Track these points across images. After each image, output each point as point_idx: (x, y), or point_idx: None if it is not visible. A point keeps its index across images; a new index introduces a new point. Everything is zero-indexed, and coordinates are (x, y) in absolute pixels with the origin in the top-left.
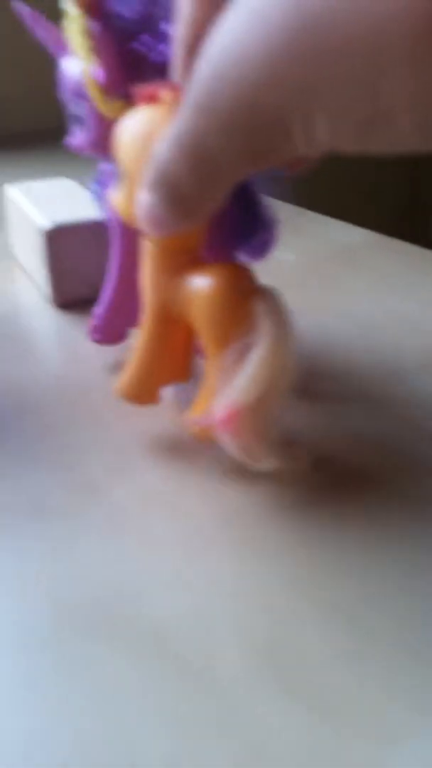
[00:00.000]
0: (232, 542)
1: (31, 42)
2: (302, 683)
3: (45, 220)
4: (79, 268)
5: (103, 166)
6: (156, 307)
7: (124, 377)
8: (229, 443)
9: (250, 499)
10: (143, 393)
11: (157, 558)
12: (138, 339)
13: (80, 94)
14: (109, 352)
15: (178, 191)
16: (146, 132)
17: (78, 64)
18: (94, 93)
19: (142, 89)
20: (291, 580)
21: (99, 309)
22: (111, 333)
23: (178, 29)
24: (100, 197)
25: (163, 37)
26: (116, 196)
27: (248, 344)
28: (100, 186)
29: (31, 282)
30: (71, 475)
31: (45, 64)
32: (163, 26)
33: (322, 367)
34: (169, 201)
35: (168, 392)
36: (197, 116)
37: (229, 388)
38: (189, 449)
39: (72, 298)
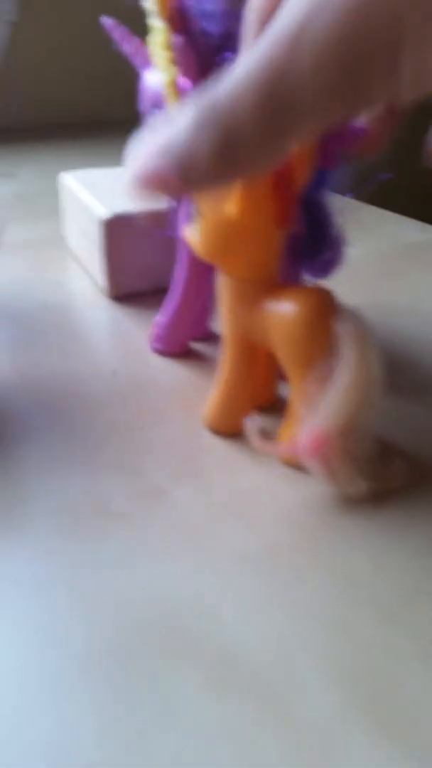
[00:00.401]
0: (314, 560)
1: (94, 35)
2: (393, 718)
3: (103, 209)
4: (136, 260)
5: None
6: (236, 336)
7: (209, 407)
8: (318, 470)
9: (334, 514)
10: (228, 422)
11: (230, 573)
12: (220, 369)
13: (160, 106)
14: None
15: (236, 134)
16: None
17: (159, 77)
18: (174, 106)
19: None
20: (383, 606)
21: (162, 318)
22: (172, 344)
23: None
24: (174, 210)
25: None
26: (192, 234)
27: (332, 367)
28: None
29: (85, 272)
30: (135, 479)
31: (104, 55)
32: None
33: (393, 365)
34: (221, 143)
35: (252, 421)
36: (278, 49)
37: (315, 413)
38: (260, 454)
39: (127, 290)
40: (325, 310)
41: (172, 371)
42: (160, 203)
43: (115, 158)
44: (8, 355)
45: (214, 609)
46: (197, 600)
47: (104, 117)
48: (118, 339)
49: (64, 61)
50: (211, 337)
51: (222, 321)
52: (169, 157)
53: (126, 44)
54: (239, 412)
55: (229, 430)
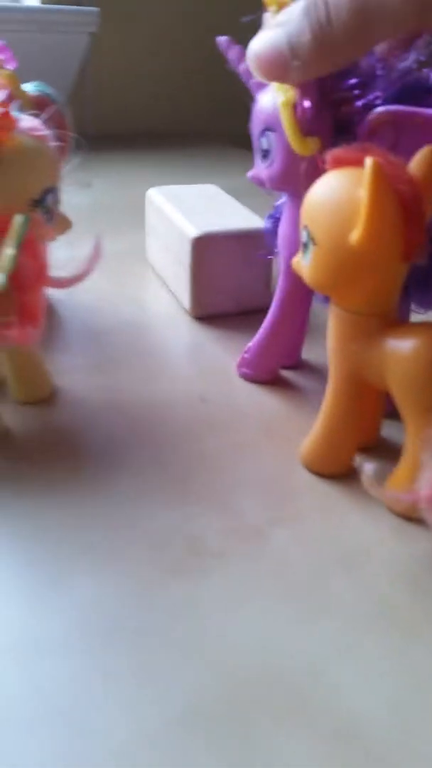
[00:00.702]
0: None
1: (174, 46)
2: None
3: (192, 227)
4: (222, 281)
5: (280, 201)
6: (345, 372)
7: (309, 445)
8: None
9: None
10: (330, 463)
11: (339, 630)
12: (324, 405)
13: (272, 128)
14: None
15: (331, 25)
16: (338, 199)
17: (274, 97)
18: (289, 127)
19: (340, 153)
20: None
21: (253, 343)
22: (262, 370)
23: None
24: (271, 234)
25: (368, 87)
26: (302, 265)
27: None
28: (272, 222)
29: (166, 290)
30: (229, 516)
31: (183, 67)
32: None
33: None
34: (320, 30)
35: (367, 466)
36: None
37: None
38: (364, 493)
39: (211, 311)
40: None
41: (262, 400)
42: (252, 223)
43: (193, 170)
44: (94, 374)
45: (323, 668)
46: (304, 656)
47: (181, 129)
48: (203, 362)
49: (140, 73)
50: (301, 366)
51: (331, 355)
52: (281, 34)
53: (241, 65)
54: (343, 452)
55: (331, 471)
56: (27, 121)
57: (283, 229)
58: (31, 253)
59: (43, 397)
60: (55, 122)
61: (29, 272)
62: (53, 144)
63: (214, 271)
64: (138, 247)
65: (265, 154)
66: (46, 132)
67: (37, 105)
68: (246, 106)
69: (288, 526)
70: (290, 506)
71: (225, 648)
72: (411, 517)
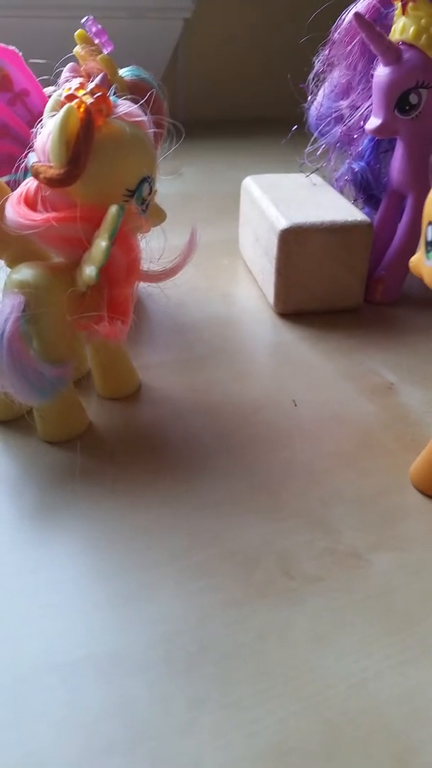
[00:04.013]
0: None
1: (265, 34)
2: None
3: (282, 217)
4: (311, 276)
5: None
6: None
7: (420, 462)
8: None
9: None
10: None
11: None
12: None
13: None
14: (345, 379)
15: None
16: None
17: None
18: None
19: None
20: None
21: (383, 267)
22: (392, 290)
23: None
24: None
25: None
26: (423, 265)
27: None
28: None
29: (256, 284)
30: (324, 536)
31: (275, 54)
32: None
33: None
34: None
35: None
36: None
37: None
38: None
39: (296, 308)
40: None
41: (360, 408)
42: (350, 216)
43: (287, 161)
44: (180, 371)
45: (427, 714)
46: (410, 699)
47: (270, 117)
48: (293, 363)
49: (234, 59)
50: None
51: None
52: None
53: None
54: None
55: None
56: (124, 107)
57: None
58: (123, 246)
59: (128, 393)
60: (152, 108)
61: (121, 266)
62: (151, 131)
63: (302, 266)
64: (231, 238)
65: (412, 107)
66: (144, 118)
67: (133, 90)
68: None
69: (391, 551)
70: (393, 529)
71: (320, 681)
72: None
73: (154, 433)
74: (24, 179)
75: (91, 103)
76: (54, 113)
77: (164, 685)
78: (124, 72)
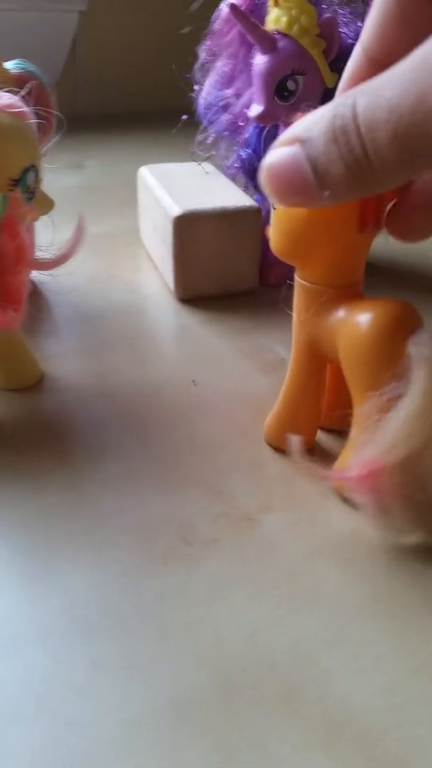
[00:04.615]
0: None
1: (161, 24)
2: None
3: (176, 205)
4: (207, 262)
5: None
6: (304, 345)
7: (270, 419)
8: (366, 504)
9: None
10: (284, 437)
11: (332, 620)
12: (286, 379)
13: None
14: (242, 357)
15: (366, 160)
16: None
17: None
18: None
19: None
20: None
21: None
22: (284, 273)
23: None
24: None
25: None
26: (270, 230)
27: (400, 393)
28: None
29: (157, 272)
30: (220, 502)
31: (170, 44)
32: None
33: None
34: (349, 164)
35: (294, 439)
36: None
37: (373, 441)
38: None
39: (196, 293)
40: (401, 328)
41: (255, 383)
42: (242, 201)
43: (185, 151)
44: (82, 359)
45: (315, 657)
46: (295, 645)
47: (167, 107)
48: (192, 346)
49: (131, 50)
50: None
51: (293, 327)
52: (302, 158)
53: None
54: (301, 427)
55: (285, 445)
56: (3, 99)
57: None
58: (10, 233)
59: (29, 384)
60: (37, 100)
61: (8, 253)
62: (32, 121)
63: (199, 252)
64: (132, 228)
65: (290, 94)
66: (23, 109)
67: (19, 82)
68: None
69: (280, 513)
70: (281, 492)
71: (214, 636)
72: (347, 497)
73: (57, 420)
74: None
75: None
76: None
77: (63, 652)
78: (9, 65)
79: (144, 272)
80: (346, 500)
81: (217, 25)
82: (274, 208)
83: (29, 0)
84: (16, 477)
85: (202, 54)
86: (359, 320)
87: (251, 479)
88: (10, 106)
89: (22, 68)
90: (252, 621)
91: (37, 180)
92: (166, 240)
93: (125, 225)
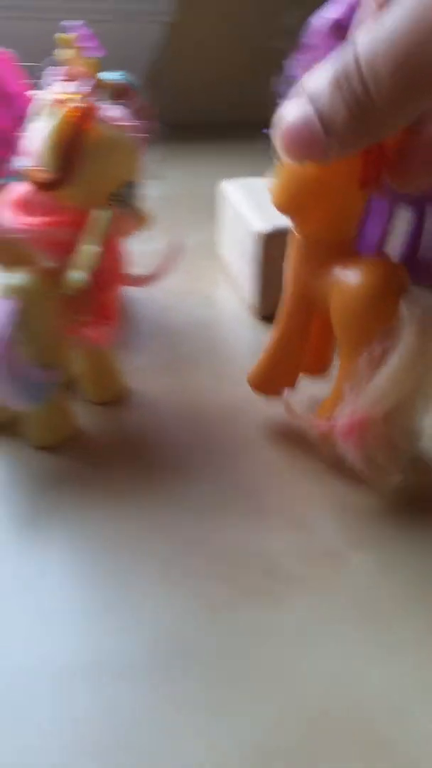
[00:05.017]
0: None
1: (249, 37)
2: None
3: (262, 222)
4: None
5: None
6: (295, 297)
7: (256, 366)
8: (350, 452)
9: None
10: (273, 384)
11: (420, 662)
12: (273, 328)
13: None
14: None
15: (370, 98)
16: None
17: None
18: None
19: None
20: None
21: None
22: None
23: None
24: None
25: None
26: (270, 183)
27: (387, 349)
28: None
29: (235, 287)
30: (305, 536)
31: (258, 57)
32: None
33: None
34: (352, 106)
35: (289, 392)
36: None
37: (360, 393)
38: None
39: (275, 310)
40: (392, 286)
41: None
42: None
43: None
44: (163, 375)
45: (406, 707)
46: (385, 694)
47: (250, 120)
48: None
49: (216, 61)
50: None
51: (285, 278)
52: (311, 112)
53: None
54: (287, 374)
55: (270, 393)
56: (110, 111)
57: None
58: (108, 250)
59: (115, 398)
60: (137, 112)
61: (106, 270)
62: (136, 135)
63: (281, 269)
64: (210, 241)
65: None
66: (130, 122)
67: (119, 93)
68: None
69: (370, 551)
70: (372, 529)
71: (299, 679)
72: (333, 445)
73: (140, 437)
74: (10, 182)
75: (80, 108)
76: (41, 117)
77: (150, 690)
78: (110, 75)
79: (222, 287)
80: (331, 449)
81: (310, 39)
82: (280, 162)
83: (115, 11)
84: (99, 496)
85: (292, 68)
86: (352, 277)
87: (339, 512)
88: (116, 119)
89: (123, 79)
90: (340, 666)
91: (136, 195)
92: (248, 256)
93: (203, 238)
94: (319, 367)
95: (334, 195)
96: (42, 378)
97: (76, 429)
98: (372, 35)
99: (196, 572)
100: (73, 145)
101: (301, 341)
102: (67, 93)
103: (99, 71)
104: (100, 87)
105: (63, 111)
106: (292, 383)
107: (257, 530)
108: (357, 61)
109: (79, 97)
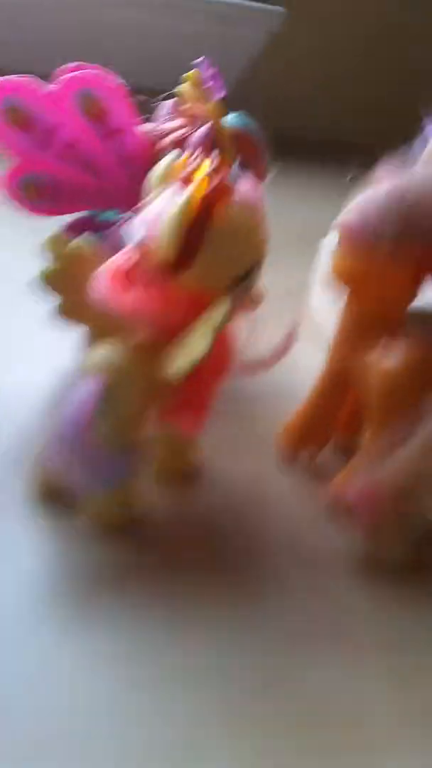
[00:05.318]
0: None
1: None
2: None
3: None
4: None
5: None
6: (334, 369)
7: (288, 423)
8: (359, 522)
9: None
10: (299, 445)
11: None
12: (311, 393)
13: None
14: None
15: (416, 227)
16: None
17: None
18: None
19: None
20: None
21: None
22: None
23: None
24: None
25: None
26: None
27: (412, 429)
28: None
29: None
30: (402, 694)
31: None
32: None
33: None
34: (403, 231)
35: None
36: None
37: (375, 467)
38: None
39: None
40: (424, 374)
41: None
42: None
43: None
44: (242, 455)
45: None
46: None
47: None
48: None
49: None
50: None
51: (329, 347)
52: (364, 221)
53: None
54: (314, 439)
55: (291, 453)
56: (242, 188)
57: None
58: (220, 339)
59: (186, 482)
60: (251, 160)
61: (211, 361)
62: (262, 211)
63: None
64: (294, 285)
65: None
66: (259, 198)
67: (238, 142)
68: None
69: None
70: None
71: None
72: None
73: (210, 529)
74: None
75: (211, 190)
76: (166, 187)
77: None
78: (230, 120)
79: (308, 347)
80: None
81: None
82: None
83: (222, 14)
84: (154, 602)
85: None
86: (389, 358)
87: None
88: (246, 195)
89: (243, 125)
90: None
91: (258, 276)
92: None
93: (285, 280)
94: (347, 439)
95: (394, 276)
96: (118, 463)
97: (140, 511)
98: None
99: (265, 723)
100: (199, 229)
101: (333, 409)
102: (197, 166)
103: (221, 117)
104: (218, 134)
105: (192, 195)
106: (319, 448)
107: (347, 667)
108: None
109: (209, 176)
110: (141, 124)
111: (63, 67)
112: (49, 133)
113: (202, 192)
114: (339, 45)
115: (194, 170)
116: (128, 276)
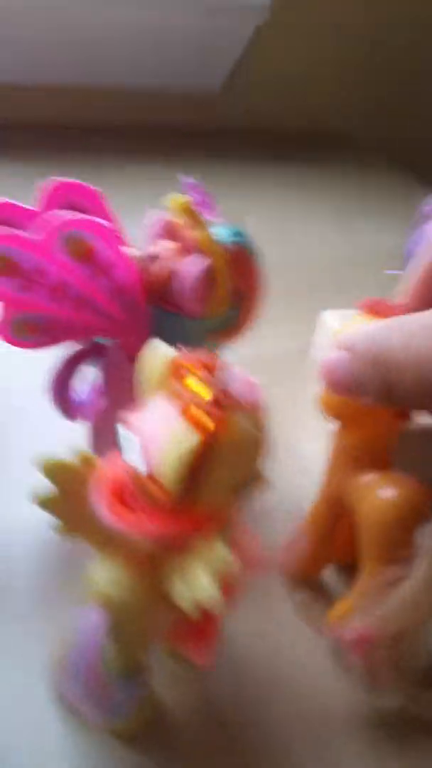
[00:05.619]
0: None
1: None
2: None
3: None
4: None
5: None
6: (329, 493)
7: (291, 551)
8: (355, 663)
9: None
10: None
11: None
12: (306, 519)
13: None
14: None
15: (396, 386)
16: None
17: None
18: None
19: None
20: None
21: None
22: None
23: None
24: None
25: None
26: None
27: (404, 573)
28: None
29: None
30: None
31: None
32: None
33: None
34: (382, 389)
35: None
36: None
37: (370, 609)
38: None
39: None
40: (414, 514)
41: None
42: None
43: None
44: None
45: None
46: None
47: (335, 131)
48: None
49: (298, 74)
50: None
51: (323, 476)
52: (348, 370)
53: None
54: (313, 562)
55: (299, 577)
56: (235, 384)
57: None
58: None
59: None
60: (248, 283)
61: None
62: (262, 411)
63: None
64: (291, 349)
65: None
66: (258, 399)
67: (234, 261)
68: None
69: None
70: None
71: None
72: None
73: (233, 727)
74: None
75: (213, 425)
76: (158, 390)
77: None
78: (224, 235)
79: (311, 428)
80: (337, 654)
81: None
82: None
83: (208, 5)
84: None
85: None
86: (380, 495)
87: None
88: (245, 400)
89: (238, 242)
90: None
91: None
92: None
93: (284, 342)
94: (347, 556)
95: (380, 413)
96: (126, 693)
97: (155, 711)
98: (404, 343)
99: None
100: (203, 459)
101: (329, 536)
102: (196, 402)
103: (212, 243)
104: (210, 258)
105: (195, 436)
106: (317, 571)
107: None
108: (388, 355)
109: (211, 407)
110: (128, 253)
111: (45, 184)
112: (38, 276)
113: (206, 428)
114: (329, 36)
115: (192, 399)
116: (122, 492)
